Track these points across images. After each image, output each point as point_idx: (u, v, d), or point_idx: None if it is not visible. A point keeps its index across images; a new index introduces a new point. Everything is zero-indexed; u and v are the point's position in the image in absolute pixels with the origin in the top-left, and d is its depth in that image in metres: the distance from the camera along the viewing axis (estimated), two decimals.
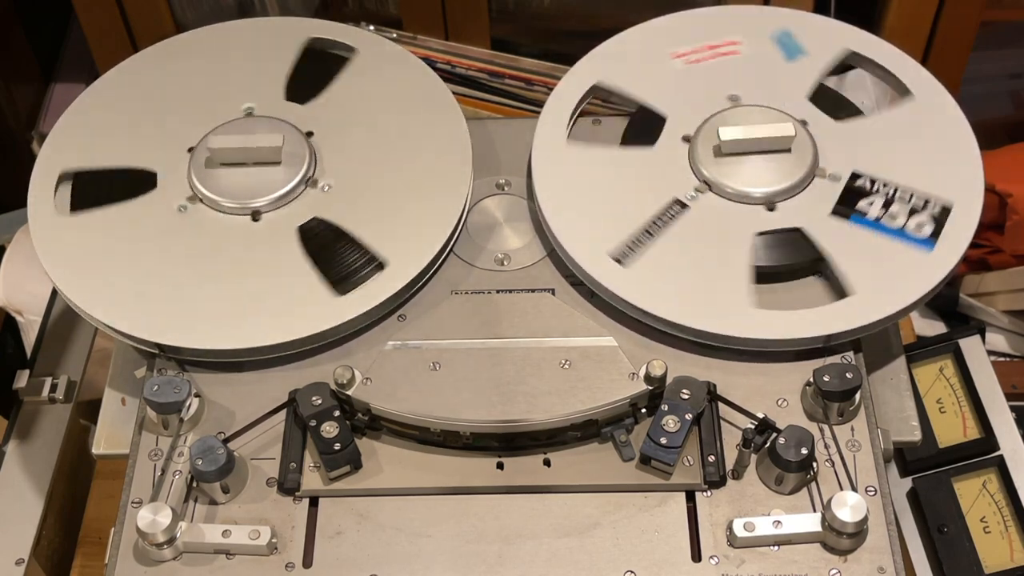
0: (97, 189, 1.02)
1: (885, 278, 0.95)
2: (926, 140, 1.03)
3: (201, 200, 1.00)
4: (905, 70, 1.07)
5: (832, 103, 1.06)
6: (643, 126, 1.05)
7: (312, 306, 0.95)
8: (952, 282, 1.06)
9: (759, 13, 1.13)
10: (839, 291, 0.95)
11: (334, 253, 0.98)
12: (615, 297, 0.95)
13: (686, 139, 1.03)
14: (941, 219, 0.97)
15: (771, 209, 0.99)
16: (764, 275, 0.96)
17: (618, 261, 0.96)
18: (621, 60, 1.09)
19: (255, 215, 1.00)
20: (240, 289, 0.96)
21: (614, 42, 1.11)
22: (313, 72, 1.09)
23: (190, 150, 1.03)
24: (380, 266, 0.96)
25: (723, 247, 0.97)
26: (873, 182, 0.99)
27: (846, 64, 1.10)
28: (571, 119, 1.06)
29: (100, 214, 1.01)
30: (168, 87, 1.09)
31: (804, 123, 1.02)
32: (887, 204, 0.97)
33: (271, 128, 1.03)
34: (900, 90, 1.07)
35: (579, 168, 1.02)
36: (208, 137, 1.02)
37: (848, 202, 0.98)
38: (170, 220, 1.00)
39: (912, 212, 0.97)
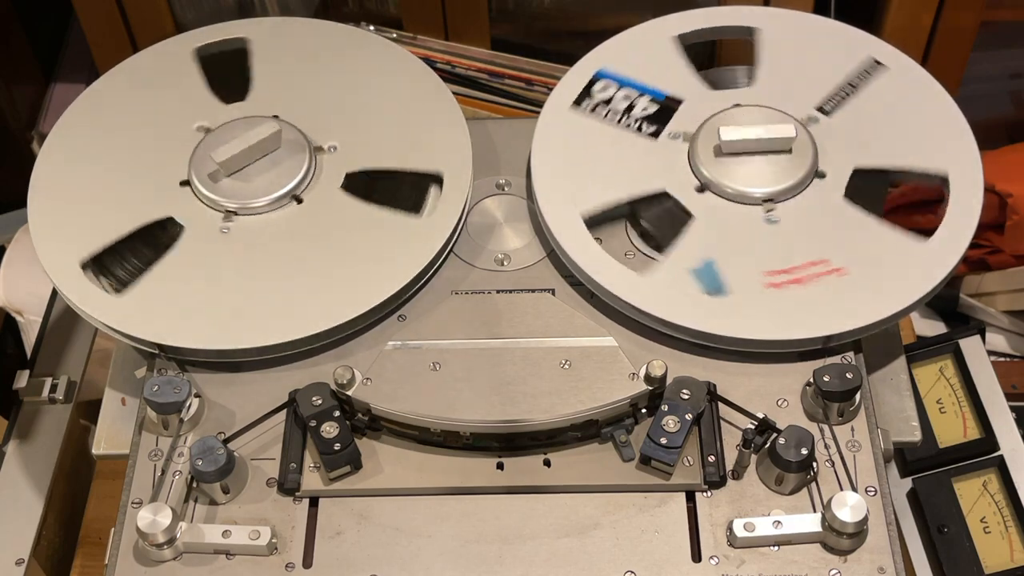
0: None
1: (885, 278, 0.95)
2: (926, 139, 1.03)
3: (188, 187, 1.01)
4: (907, 73, 1.07)
5: (838, 108, 1.05)
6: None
7: (312, 306, 0.95)
8: (952, 282, 1.06)
9: (759, 13, 1.13)
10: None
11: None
12: (615, 297, 0.95)
13: (686, 138, 1.03)
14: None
15: (770, 209, 0.99)
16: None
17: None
18: (621, 60, 1.09)
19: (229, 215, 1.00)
20: (240, 289, 0.96)
21: (614, 42, 1.11)
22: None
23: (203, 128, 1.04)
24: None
25: (722, 247, 0.97)
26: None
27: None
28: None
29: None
30: (184, 80, 1.09)
31: (806, 125, 1.02)
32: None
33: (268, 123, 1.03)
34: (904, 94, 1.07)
35: (579, 168, 1.02)
36: (212, 152, 1.01)
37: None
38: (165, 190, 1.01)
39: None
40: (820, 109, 1.04)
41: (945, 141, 1.02)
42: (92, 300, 0.96)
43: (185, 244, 0.98)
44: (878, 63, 1.07)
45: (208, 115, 1.06)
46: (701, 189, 1.00)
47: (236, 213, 1.00)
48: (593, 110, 0.99)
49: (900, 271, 0.95)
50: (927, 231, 0.97)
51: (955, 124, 1.03)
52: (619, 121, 1.00)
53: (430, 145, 1.04)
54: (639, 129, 1.01)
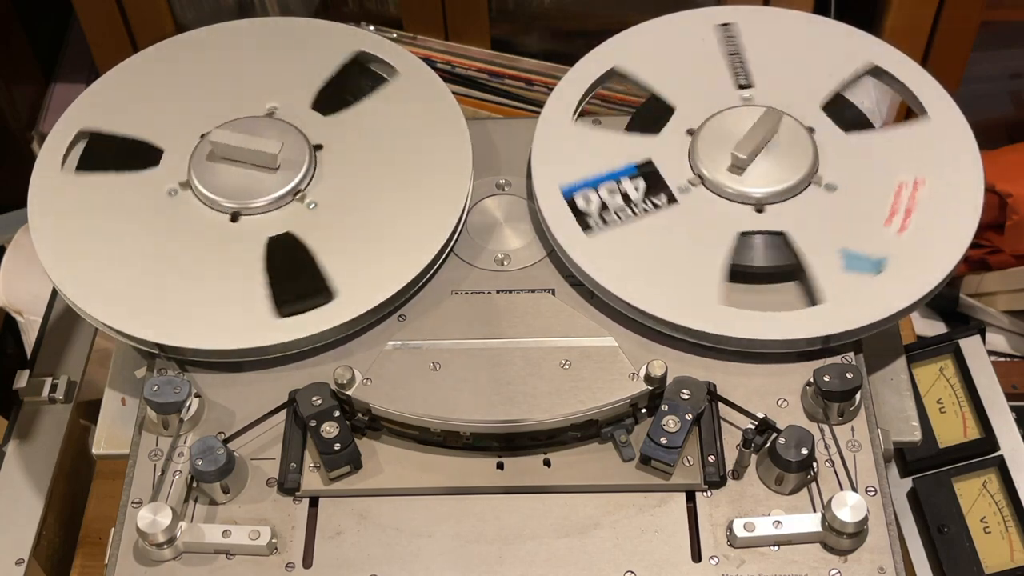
0: (106, 154, 1.04)
1: (885, 278, 0.95)
2: (925, 139, 1.03)
3: (191, 189, 1.01)
4: (908, 74, 1.07)
5: (844, 112, 1.05)
6: (650, 116, 1.05)
7: (312, 306, 0.94)
8: (952, 282, 1.06)
9: (760, 13, 1.13)
10: (813, 299, 0.95)
11: (291, 273, 0.97)
12: (615, 297, 0.95)
13: (690, 132, 1.03)
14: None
15: (760, 211, 0.99)
16: (751, 276, 0.97)
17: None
18: (621, 60, 1.09)
19: (234, 216, 1.00)
20: (240, 289, 0.96)
21: (614, 42, 1.11)
22: (348, 86, 1.09)
23: (203, 136, 1.03)
24: (330, 296, 0.95)
25: (715, 245, 0.97)
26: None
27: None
28: (575, 111, 1.06)
29: (101, 180, 1.01)
30: (200, 73, 1.09)
31: (811, 130, 1.02)
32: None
33: (277, 132, 1.03)
34: (904, 94, 1.07)
35: (579, 168, 1.02)
36: (214, 130, 1.02)
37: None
38: (157, 202, 1.00)
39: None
40: (824, 109, 1.04)
41: (945, 141, 1.02)
42: (92, 300, 0.96)
43: (185, 244, 0.98)
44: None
45: (286, 103, 1.06)
46: (694, 183, 1.00)
47: (237, 213, 1.00)
48: (606, 223, 0.98)
49: (900, 271, 0.95)
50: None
51: (955, 124, 1.03)
52: (634, 214, 0.99)
53: (430, 145, 1.04)
54: (655, 206, 0.99)
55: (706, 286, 0.95)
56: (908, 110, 1.07)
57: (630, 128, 1.06)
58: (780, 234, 0.97)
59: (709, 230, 0.98)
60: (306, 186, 1.01)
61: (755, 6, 1.14)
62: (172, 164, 1.03)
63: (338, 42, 1.11)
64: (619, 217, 0.98)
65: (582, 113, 1.08)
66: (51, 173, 1.03)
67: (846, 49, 1.09)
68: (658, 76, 1.07)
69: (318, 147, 1.03)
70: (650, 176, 1.01)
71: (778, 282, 0.97)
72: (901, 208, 0.96)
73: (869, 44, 1.09)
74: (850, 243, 0.96)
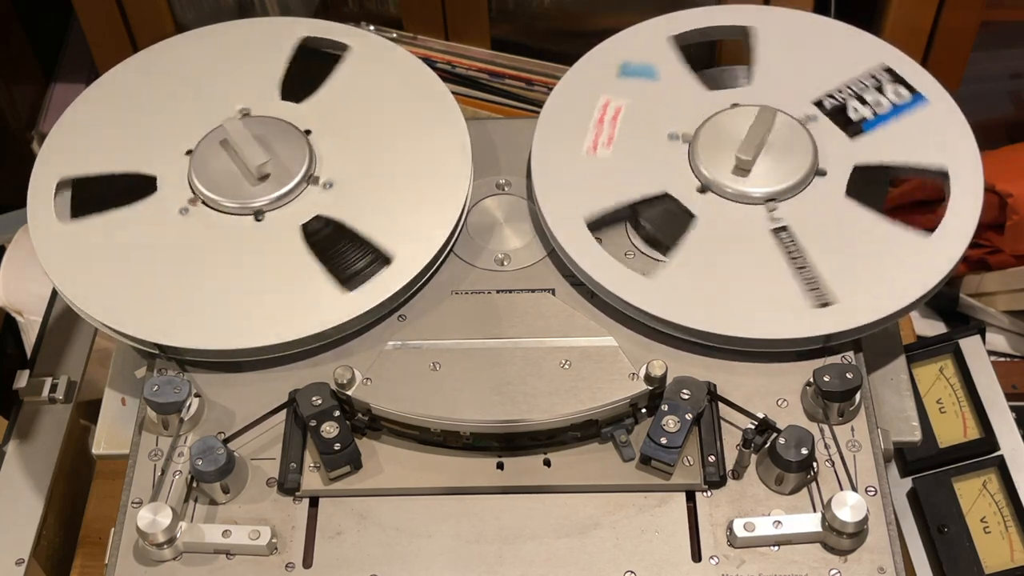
0: (97, 194, 1.02)
1: (885, 278, 0.95)
2: (925, 139, 1.03)
3: (203, 202, 1.00)
4: (907, 73, 1.07)
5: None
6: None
7: (312, 306, 0.95)
8: (952, 282, 1.07)
9: (760, 13, 1.13)
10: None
11: (338, 251, 0.98)
12: (615, 297, 0.95)
13: (685, 139, 1.03)
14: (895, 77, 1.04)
15: (772, 208, 0.99)
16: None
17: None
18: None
19: (257, 215, 1.00)
20: (240, 289, 0.96)
21: (614, 41, 1.11)
22: (307, 71, 1.09)
23: (188, 152, 1.03)
24: (386, 261, 0.97)
25: (722, 247, 0.97)
26: (833, 96, 1.04)
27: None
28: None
29: (100, 220, 1.00)
30: (162, 89, 1.09)
31: (804, 123, 1.02)
32: (861, 100, 1.01)
33: (272, 132, 1.03)
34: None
35: (579, 168, 1.02)
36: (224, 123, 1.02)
37: (845, 122, 1.02)
38: (173, 223, 1.00)
39: (879, 90, 1.02)
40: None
41: (945, 141, 1.02)
42: (92, 300, 0.96)
43: (185, 244, 0.98)
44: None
45: (256, 101, 1.06)
46: (702, 190, 1.00)
47: (260, 212, 1.00)
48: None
49: (900, 271, 0.95)
50: (927, 230, 0.97)
51: (955, 124, 1.03)
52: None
53: (430, 145, 1.04)
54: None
55: (709, 286, 0.95)
56: None
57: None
58: (784, 228, 0.98)
59: (725, 233, 0.98)
60: (316, 169, 1.01)
61: (753, 6, 1.14)
62: (170, 186, 1.02)
63: (281, 34, 1.11)
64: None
65: None
66: (51, 173, 1.03)
67: (841, 47, 1.09)
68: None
69: (307, 132, 1.04)
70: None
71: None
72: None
73: (870, 43, 1.09)
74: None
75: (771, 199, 0.99)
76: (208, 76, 1.09)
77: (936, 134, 1.03)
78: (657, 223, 1.00)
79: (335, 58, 1.10)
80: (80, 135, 1.06)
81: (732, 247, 0.97)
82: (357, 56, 1.10)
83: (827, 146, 1.02)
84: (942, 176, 1.00)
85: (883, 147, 1.02)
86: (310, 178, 1.01)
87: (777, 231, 0.97)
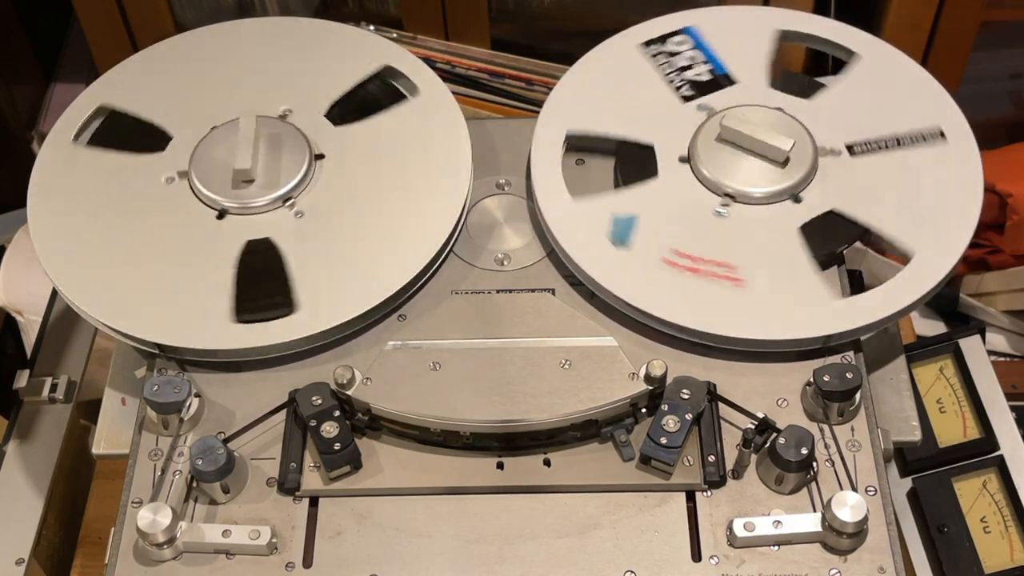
0: (118, 133, 1.05)
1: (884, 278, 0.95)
2: (925, 138, 1.03)
3: (188, 180, 1.01)
4: (907, 73, 1.07)
5: (795, 84, 1.06)
6: (634, 162, 1.03)
7: (312, 306, 0.95)
8: (952, 282, 1.06)
9: (759, 13, 1.13)
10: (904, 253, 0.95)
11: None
12: (615, 297, 0.95)
13: (683, 160, 1.02)
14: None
15: (798, 201, 0.99)
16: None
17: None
18: (621, 59, 1.09)
19: (222, 213, 1.00)
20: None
21: (614, 41, 1.11)
22: (365, 99, 1.08)
23: (213, 129, 1.04)
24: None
25: (722, 247, 0.97)
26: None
27: (836, 60, 1.10)
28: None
29: (106, 159, 1.03)
30: (226, 66, 1.10)
31: (780, 109, 1.03)
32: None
33: (279, 137, 1.03)
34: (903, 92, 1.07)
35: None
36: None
37: None
38: (153, 189, 1.01)
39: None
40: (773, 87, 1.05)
41: (945, 141, 1.02)
42: (92, 300, 0.96)
43: (185, 243, 0.98)
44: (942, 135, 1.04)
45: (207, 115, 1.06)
46: (684, 160, 1.00)
47: (237, 212, 1.00)
48: (655, 56, 1.00)
49: (900, 270, 0.95)
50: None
51: (955, 124, 1.04)
52: (667, 75, 1.02)
53: (430, 145, 1.04)
54: (678, 89, 1.02)
55: (707, 286, 0.95)
56: None
57: (625, 182, 1.02)
58: (831, 213, 0.98)
59: (759, 235, 0.98)
60: (298, 194, 1.01)
61: (753, 6, 1.14)
62: (177, 152, 1.03)
63: (366, 52, 1.10)
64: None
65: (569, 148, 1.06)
66: (51, 173, 1.03)
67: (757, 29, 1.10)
68: (617, 122, 1.05)
69: (320, 156, 1.03)
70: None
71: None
72: (696, 264, 0.96)
73: (868, 42, 1.09)
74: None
75: (794, 191, 0.99)
76: (272, 67, 1.10)
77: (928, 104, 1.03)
78: (627, 161, 1.02)
79: (397, 97, 1.08)
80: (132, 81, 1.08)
81: (733, 247, 0.97)
82: (356, 56, 1.10)
83: (814, 127, 1.02)
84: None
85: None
86: (287, 200, 1.00)
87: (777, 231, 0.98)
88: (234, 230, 0.99)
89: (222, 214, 1.00)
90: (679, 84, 1.04)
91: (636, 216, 0.96)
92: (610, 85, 1.08)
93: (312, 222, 1.00)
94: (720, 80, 1.06)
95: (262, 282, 0.96)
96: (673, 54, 1.04)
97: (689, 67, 1.05)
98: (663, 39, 1.08)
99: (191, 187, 1.01)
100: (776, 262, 0.96)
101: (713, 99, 1.05)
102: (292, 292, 0.96)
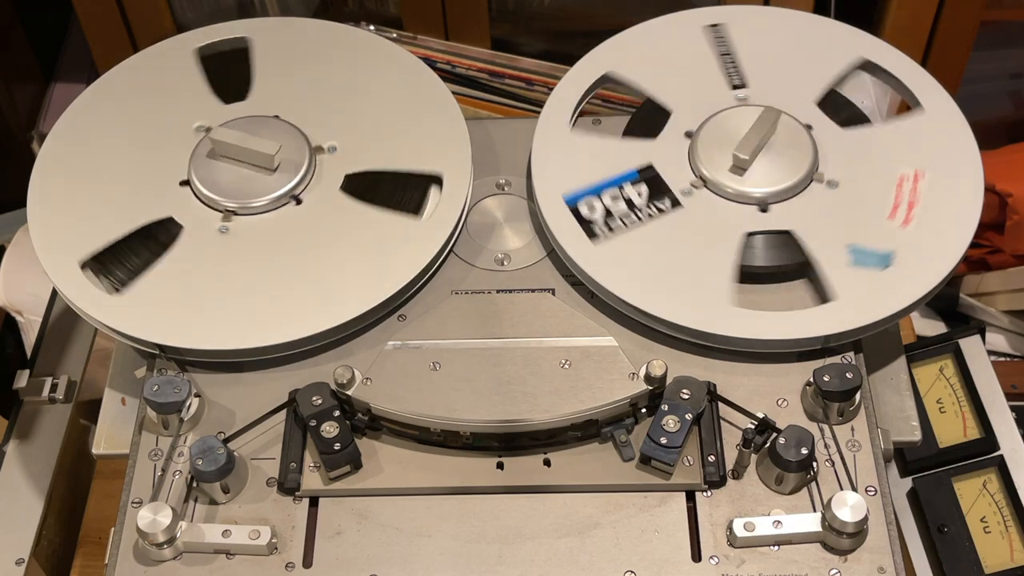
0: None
1: (884, 278, 0.95)
2: (925, 138, 1.03)
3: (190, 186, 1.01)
4: (907, 73, 1.07)
5: (840, 109, 1.05)
6: (647, 120, 1.05)
7: (312, 306, 0.95)
8: (952, 282, 1.06)
9: (759, 13, 1.13)
10: (824, 296, 0.95)
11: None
12: (615, 297, 0.95)
13: (688, 135, 1.03)
14: None
15: (764, 210, 0.99)
16: (757, 276, 0.97)
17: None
18: (621, 60, 1.09)
19: (226, 216, 1.00)
20: (240, 289, 0.96)
21: (614, 41, 1.11)
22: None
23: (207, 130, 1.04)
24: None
25: (722, 246, 0.97)
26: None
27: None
28: (572, 117, 1.06)
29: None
30: (184, 80, 1.10)
31: (809, 127, 1.02)
32: None
33: (277, 133, 1.03)
34: (904, 93, 1.07)
35: (580, 173, 1.02)
36: (216, 129, 1.02)
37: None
38: (153, 190, 1.01)
39: None
40: (819, 105, 1.05)
41: (945, 141, 1.02)
42: (92, 300, 0.96)
43: (185, 244, 0.98)
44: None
45: (208, 115, 1.06)
46: (698, 185, 1.00)
47: (236, 213, 1.00)
48: (611, 230, 0.98)
49: (900, 271, 0.95)
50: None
51: (955, 124, 1.03)
52: (639, 219, 0.98)
53: (430, 145, 1.04)
54: (659, 211, 0.99)
55: (707, 286, 0.95)
56: (908, 109, 1.07)
57: (628, 133, 1.06)
58: (786, 233, 0.97)
59: (714, 232, 0.98)
60: (302, 190, 1.01)
61: (753, 6, 1.14)
62: (177, 152, 1.03)
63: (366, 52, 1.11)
64: (624, 224, 0.98)
65: (582, 113, 1.07)
66: (51, 173, 1.03)
67: (839, 46, 1.09)
68: (653, 80, 1.07)
69: (318, 149, 1.03)
70: (652, 181, 1.01)
71: (781, 281, 0.97)
72: (904, 201, 0.97)
73: (867, 42, 1.09)
74: (856, 238, 0.96)
75: (771, 199, 0.99)
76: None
77: (937, 140, 1.03)
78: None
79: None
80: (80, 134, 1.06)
81: (732, 247, 0.97)
82: (356, 56, 1.10)
83: (827, 148, 1.01)
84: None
85: (883, 148, 1.02)
86: (293, 197, 1.01)
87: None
88: (236, 230, 0.99)
89: (228, 215, 1.00)
90: (652, 209, 0.99)
91: (891, 252, 0.95)
92: (666, 50, 1.08)
93: (313, 220, 0.99)
94: (649, 175, 1.01)
95: (288, 275, 0.96)
96: (609, 213, 0.98)
97: (630, 201, 0.99)
98: (586, 223, 0.99)
99: (192, 189, 1.01)
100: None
101: (755, 92, 1.06)
102: (292, 292, 0.95)
